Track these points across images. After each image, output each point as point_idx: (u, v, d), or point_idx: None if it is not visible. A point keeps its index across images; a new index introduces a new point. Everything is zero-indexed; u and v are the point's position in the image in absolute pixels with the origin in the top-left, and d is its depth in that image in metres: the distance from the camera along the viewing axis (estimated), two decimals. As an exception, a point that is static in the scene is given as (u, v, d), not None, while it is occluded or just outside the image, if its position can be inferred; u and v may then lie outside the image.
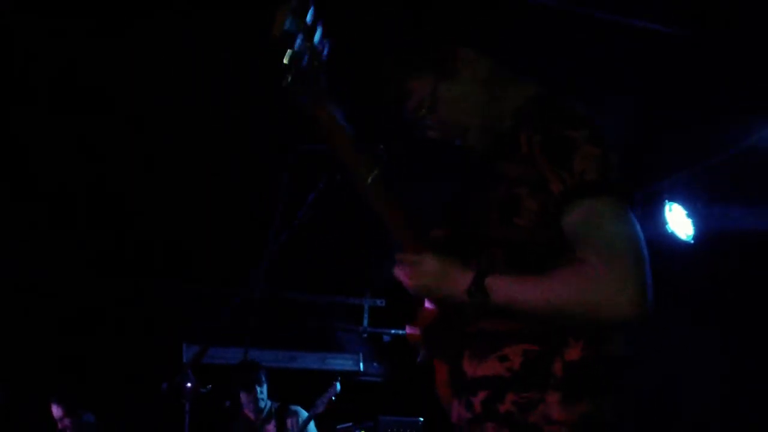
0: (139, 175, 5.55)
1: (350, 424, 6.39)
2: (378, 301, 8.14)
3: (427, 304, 2.09)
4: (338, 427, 6.40)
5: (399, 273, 1.94)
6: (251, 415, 5.69)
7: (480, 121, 2.00)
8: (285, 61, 1.77)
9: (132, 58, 4.24)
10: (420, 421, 6.34)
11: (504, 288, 1.78)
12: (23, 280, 6.86)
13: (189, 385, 4.96)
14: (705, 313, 5.62)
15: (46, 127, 4.90)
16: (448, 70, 1.99)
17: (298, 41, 1.76)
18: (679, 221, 5.62)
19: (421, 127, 2.05)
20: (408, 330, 2.11)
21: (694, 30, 3.95)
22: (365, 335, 8.09)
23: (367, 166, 1.93)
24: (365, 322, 8.06)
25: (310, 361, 7.88)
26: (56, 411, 5.83)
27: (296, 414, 5.72)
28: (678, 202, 5.62)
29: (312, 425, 5.71)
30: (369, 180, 1.92)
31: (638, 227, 1.76)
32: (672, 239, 5.60)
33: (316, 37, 1.80)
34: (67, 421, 5.84)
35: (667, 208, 5.62)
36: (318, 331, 8.04)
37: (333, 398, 5.65)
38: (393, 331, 8.14)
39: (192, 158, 5.36)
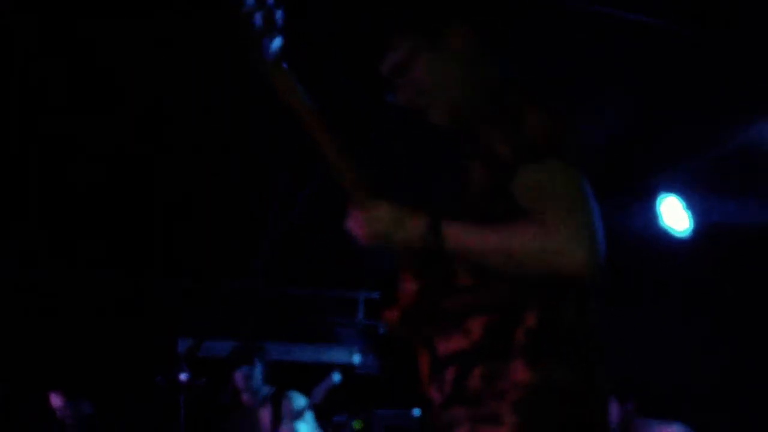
0: (139, 168, 5.53)
1: (345, 417, 6.39)
2: (373, 294, 8.14)
3: (406, 286, 2.06)
4: (334, 419, 6.40)
5: (352, 223, 1.93)
6: (246, 397, 5.64)
7: (449, 95, 1.99)
8: (237, 17, 1.82)
9: (132, 57, 4.23)
10: (416, 412, 6.35)
11: (459, 232, 1.81)
12: (21, 272, 6.85)
13: (184, 377, 4.96)
14: (702, 308, 5.62)
15: (44, 125, 4.89)
16: (434, 40, 1.99)
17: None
18: (675, 215, 5.61)
19: (392, 87, 2.05)
20: (386, 313, 2.09)
21: (693, 26, 3.95)
22: (361, 327, 8.09)
23: (329, 131, 1.94)
24: (360, 315, 8.06)
25: (305, 353, 7.88)
26: (55, 401, 5.84)
27: (289, 398, 5.66)
28: (675, 196, 5.61)
29: (310, 415, 5.67)
30: (329, 151, 1.94)
31: (588, 190, 1.79)
32: (668, 233, 5.59)
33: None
34: (66, 411, 5.85)
35: (663, 201, 5.60)
36: (313, 324, 8.04)
37: (331, 389, 5.60)
38: (389, 310, 8.11)
39: (191, 151, 5.35)
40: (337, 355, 7.95)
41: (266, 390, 5.68)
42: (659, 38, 4.02)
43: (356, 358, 6.85)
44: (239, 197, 5.78)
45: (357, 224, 1.91)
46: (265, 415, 5.62)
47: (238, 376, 5.60)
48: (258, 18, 1.85)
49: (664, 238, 5.58)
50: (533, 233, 1.74)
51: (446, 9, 2.01)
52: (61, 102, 4.60)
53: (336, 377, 5.65)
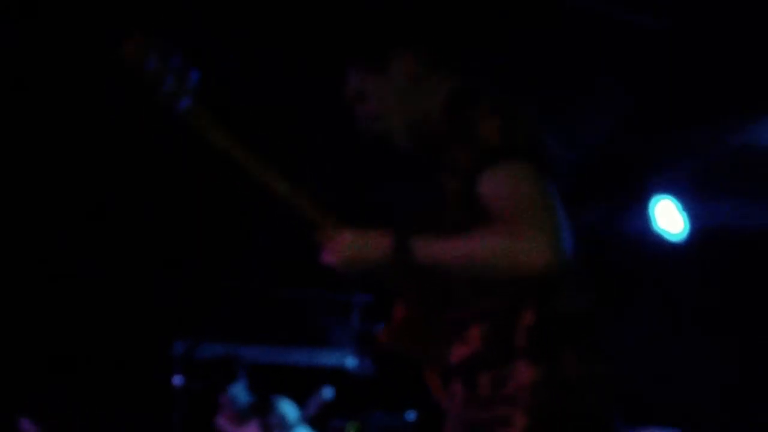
0: (132, 170, 5.53)
1: (342, 419, 6.38)
2: (367, 297, 8.12)
3: (398, 309, 2.17)
4: (331, 423, 6.40)
5: (324, 256, 1.99)
6: (231, 412, 5.59)
7: (403, 119, 2.06)
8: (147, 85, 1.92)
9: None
10: (411, 416, 6.35)
11: (425, 246, 1.84)
12: (13, 273, 6.83)
13: (179, 381, 4.94)
14: (696, 314, 5.61)
15: (42, 124, 4.89)
16: (380, 67, 2.05)
17: (151, 64, 1.92)
18: (670, 218, 5.58)
19: (357, 116, 2.11)
20: (380, 336, 2.20)
21: (689, 25, 3.96)
22: (355, 330, 8.07)
23: (277, 178, 2.04)
24: (355, 318, 8.04)
25: (299, 356, 7.87)
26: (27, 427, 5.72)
27: (276, 408, 5.59)
28: (670, 199, 5.58)
29: (304, 428, 5.61)
30: (281, 189, 2.03)
31: (547, 186, 1.82)
32: (661, 237, 5.57)
33: (175, 61, 1.94)
34: None
35: (658, 204, 5.58)
36: (307, 327, 8.03)
37: (322, 404, 5.56)
38: (383, 326, 8.10)
39: (185, 154, 5.33)
40: (331, 358, 7.95)
41: (248, 399, 5.60)
42: (655, 38, 4.03)
43: (350, 362, 6.84)
44: (235, 198, 5.76)
45: (327, 255, 1.98)
46: (252, 428, 5.55)
47: (226, 400, 5.52)
48: (168, 81, 1.94)
49: (658, 241, 5.56)
50: (495, 239, 1.77)
51: (388, 37, 2.08)
52: (59, 99, 4.61)
53: (327, 393, 5.62)
